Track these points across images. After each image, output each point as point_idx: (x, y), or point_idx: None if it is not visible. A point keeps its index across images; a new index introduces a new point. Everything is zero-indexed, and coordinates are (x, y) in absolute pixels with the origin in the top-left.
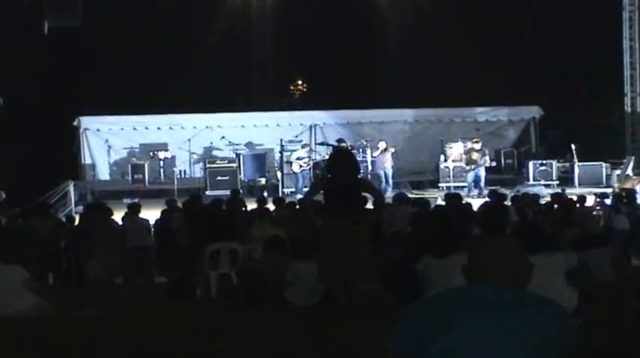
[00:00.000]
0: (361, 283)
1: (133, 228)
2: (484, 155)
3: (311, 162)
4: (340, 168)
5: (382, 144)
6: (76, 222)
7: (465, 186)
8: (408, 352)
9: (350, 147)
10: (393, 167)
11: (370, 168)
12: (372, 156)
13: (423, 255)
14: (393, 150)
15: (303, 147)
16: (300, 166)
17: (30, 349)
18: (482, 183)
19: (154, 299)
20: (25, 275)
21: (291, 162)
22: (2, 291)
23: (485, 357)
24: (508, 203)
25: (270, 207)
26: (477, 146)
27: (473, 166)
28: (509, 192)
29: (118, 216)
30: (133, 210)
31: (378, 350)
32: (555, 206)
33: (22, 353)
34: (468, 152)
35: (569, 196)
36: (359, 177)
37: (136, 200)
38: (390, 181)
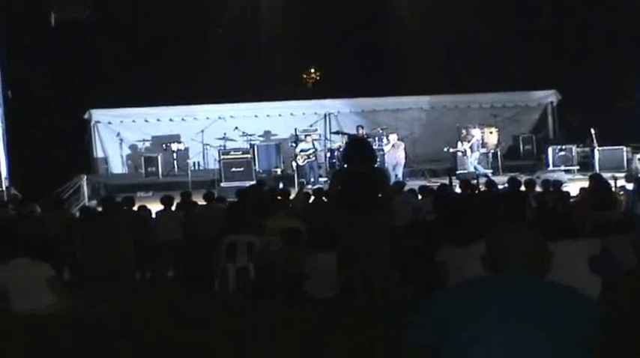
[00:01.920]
0: (383, 275)
1: (166, 221)
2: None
3: (320, 152)
4: (356, 157)
5: (393, 138)
6: (91, 217)
7: (482, 173)
8: (428, 344)
9: (366, 136)
10: (406, 159)
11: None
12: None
13: (442, 245)
14: (404, 145)
15: (305, 137)
16: (304, 158)
17: (44, 347)
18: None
19: (172, 293)
20: (51, 274)
21: (296, 154)
22: (27, 288)
23: (508, 346)
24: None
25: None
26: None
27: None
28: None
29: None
30: (168, 204)
31: (397, 343)
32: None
33: (35, 351)
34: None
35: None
36: (375, 166)
37: (150, 193)
38: (400, 175)
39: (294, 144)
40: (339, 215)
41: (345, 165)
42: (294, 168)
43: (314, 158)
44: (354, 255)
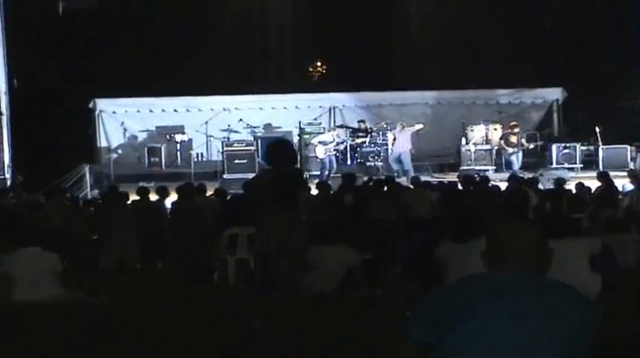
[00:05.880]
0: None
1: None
2: (522, 137)
3: (339, 146)
4: (279, 158)
5: (398, 128)
6: (93, 208)
7: (487, 169)
8: (424, 340)
9: (370, 129)
10: (412, 151)
11: (391, 151)
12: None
13: (443, 241)
14: (410, 132)
15: (330, 130)
16: (325, 151)
17: (45, 335)
18: (517, 167)
19: (173, 284)
20: (58, 266)
21: (315, 146)
22: (33, 278)
23: (507, 343)
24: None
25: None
26: (516, 129)
27: (516, 149)
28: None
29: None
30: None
31: (395, 339)
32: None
33: (37, 340)
34: (506, 136)
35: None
36: (297, 167)
37: (152, 184)
38: (406, 165)
39: (303, 136)
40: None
41: (269, 167)
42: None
43: (334, 151)
44: (277, 255)
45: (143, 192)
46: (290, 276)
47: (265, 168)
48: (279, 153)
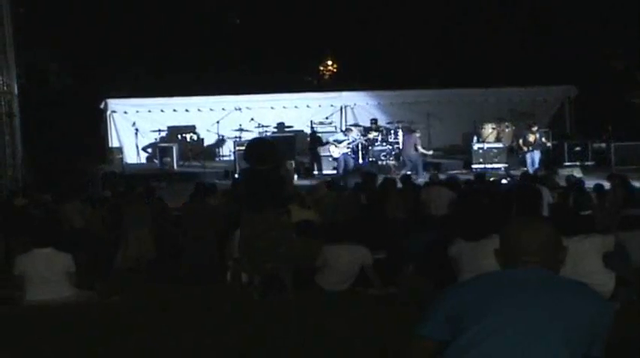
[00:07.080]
0: (287, 274)
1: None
2: (541, 137)
3: (353, 145)
4: (257, 156)
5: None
6: (107, 208)
7: (499, 167)
8: (437, 338)
9: (382, 128)
10: (417, 150)
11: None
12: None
13: (455, 239)
14: (418, 134)
15: (346, 130)
16: (340, 150)
17: (59, 334)
18: (537, 165)
19: (185, 284)
20: (72, 267)
21: (330, 145)
22: (46, 279)
23: (521, 339)
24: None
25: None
26: (534, 128)
27: (531, 148)
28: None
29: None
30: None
31: (408, 337)
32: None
33: (49, 340)
34: (524, 135)
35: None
36: (278, 165)
37: (164, 183)
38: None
39: (310, 136)
40: (242, 214)
41: (249, 165)
42: (309, 159)
43: (349, 150)
44: (256, 254)
45: (151, 191)
46: (273, 273)
47: (243, 168)
48: (255, 152)
